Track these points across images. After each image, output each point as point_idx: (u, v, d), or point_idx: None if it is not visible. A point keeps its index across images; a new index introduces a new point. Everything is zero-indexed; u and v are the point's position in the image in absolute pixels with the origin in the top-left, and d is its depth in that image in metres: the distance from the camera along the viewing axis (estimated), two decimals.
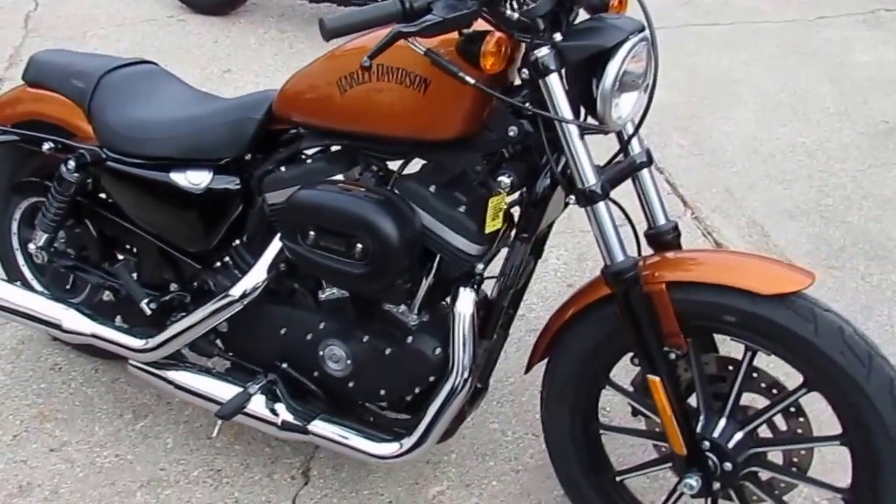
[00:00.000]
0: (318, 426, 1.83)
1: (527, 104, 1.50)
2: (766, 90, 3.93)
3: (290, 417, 1.84)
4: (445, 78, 1.46)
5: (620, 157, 1.66)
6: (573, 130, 1.47)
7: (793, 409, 1.59)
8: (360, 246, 1.63)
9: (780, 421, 1.62)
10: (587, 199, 1.49)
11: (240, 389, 1.87)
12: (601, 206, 1.50)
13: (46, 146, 2.04)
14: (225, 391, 1.91)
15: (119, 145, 1.94)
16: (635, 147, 1.65)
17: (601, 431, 1.81)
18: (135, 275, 2.10)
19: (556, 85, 1.46)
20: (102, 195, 2.10)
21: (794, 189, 3.21)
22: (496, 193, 1.59)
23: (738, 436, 1.59)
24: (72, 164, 1.97)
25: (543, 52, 1.44)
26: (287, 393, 1.86)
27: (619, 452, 2.03)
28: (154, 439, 2.19)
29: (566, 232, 2.96)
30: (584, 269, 2.78)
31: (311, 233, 1.69)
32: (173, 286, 2.06)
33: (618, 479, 1.81)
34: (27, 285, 2.31)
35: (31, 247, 2.15)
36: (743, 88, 3.95)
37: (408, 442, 1.75)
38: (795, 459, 1.63)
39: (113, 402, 2.30)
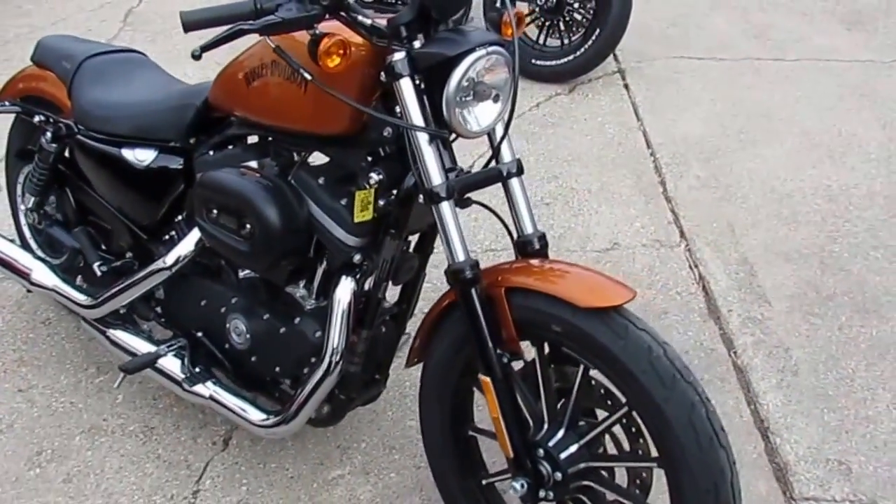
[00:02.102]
0: (212, 390, 1.98)
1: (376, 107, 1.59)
2: (808, 129, 3.79)
3: (189, 379, 1.99)
4: (328, 72, 1.53)
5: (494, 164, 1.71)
6: (421, 133, 1.54)
7: (633, 429, 1.58)
8: (248, 226, 1.76)
9: (623, 439, 1.62)
10: (431, 198, 1.56)
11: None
12: (445, 206, 1.56)
13: (37, 118, 2.30)
14: (148, 351, 2.09)
15: (88, 121, 2.16)
16: (506, 156, 1.69)
17: (472, 434, 1.85)
18: (98, 241, 2.32)
19: (407, 89, 1.53)
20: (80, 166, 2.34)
21: (801, 232, 3.09)
22: (362, 188, 1.68)
23: (573, 448, 1.59)
24: (49, 135, 2.22)
25: (397, 57, 1.53)
26: (192, 358, 2.02)
27: None
28: (107, 393, 2.40)
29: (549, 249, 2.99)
30: None
31: (214, 210, 1.84)
32: (129, 254, 2.26)
33: (485, 482, 1.85)
34: (26, 243, 2.59)
35: (21, 207, 2.42)
36: (784, 126, 3.82)
37: (280, 416, 1.86)
38: (638, 481, 1.62)
39: (83, 357, 2.54)
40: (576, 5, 4.18)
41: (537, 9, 4.25)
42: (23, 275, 2.35)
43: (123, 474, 2.12)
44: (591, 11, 4.12)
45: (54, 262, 2.43)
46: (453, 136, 1.59)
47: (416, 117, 1.54)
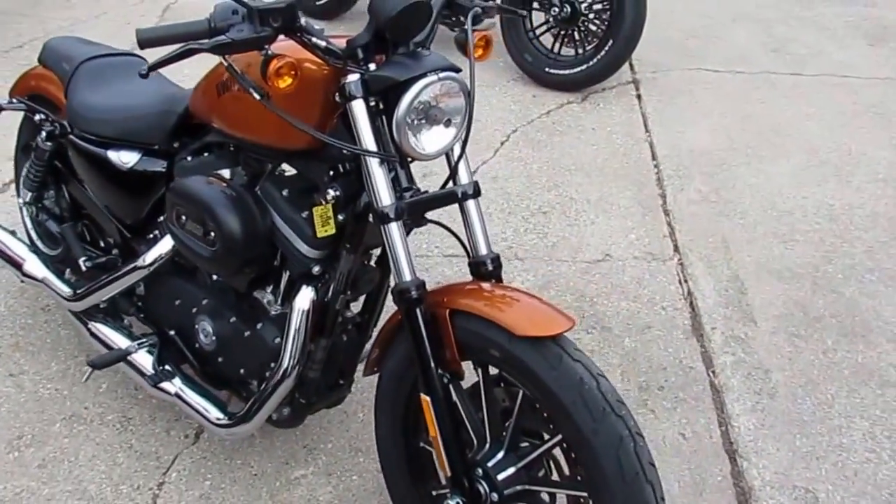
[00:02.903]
0: (178, 387, 2.04)
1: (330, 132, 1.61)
2: (817, 147, 3.74)
3: (155, 376, 2.05)
4: (279, 92, 1.57)
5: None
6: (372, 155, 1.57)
7: (573, 455, 1.58)
8: (212, 234, 1.81)
9: (564, 464, 1.63)
10: (380, 218, 1.58)
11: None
12: (393, 227, 1.58)
13: (37, 117, 2.37)
14: (124, 346, 2.15)
15: (79, 122, 2.23)
16: (464, 178, 1.71)
17: (423, 445, 1.87)
18: (90, 236, 2.39)
19: (359, 111, 1.55)
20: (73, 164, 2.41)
21: (796, 251, 3.06)
22: (319, 203, 1.71)
23: (511, 470, 1.60)
24: (44, 133, 2.30)
25: (350, 79, 1.55)
26: (161, 356, 2.07)
27: None
28: (92, 381, 2.47)
29: (540, 258, 3.01)
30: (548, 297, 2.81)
31: (182, 216, 1.89)
32: (114, 251, 2.34)
33: (435, 493, 1.87)
34: (29, 235, 2.68)
35: (20, 201, 2.50)
36: (793, 142, 3.78)
37: (235, 417, 1.91)
38: None
39: (75, 345, 2.62)
40: (591, 16, 4.19)
41: (552, 19, 4.25)
42: (16, 265, 2.44)
43: (95, 462, 2.19)
44: (606, 23, 4.11)
45: (51, 254, 2.51)
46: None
47: (368, 139, 1.56)
